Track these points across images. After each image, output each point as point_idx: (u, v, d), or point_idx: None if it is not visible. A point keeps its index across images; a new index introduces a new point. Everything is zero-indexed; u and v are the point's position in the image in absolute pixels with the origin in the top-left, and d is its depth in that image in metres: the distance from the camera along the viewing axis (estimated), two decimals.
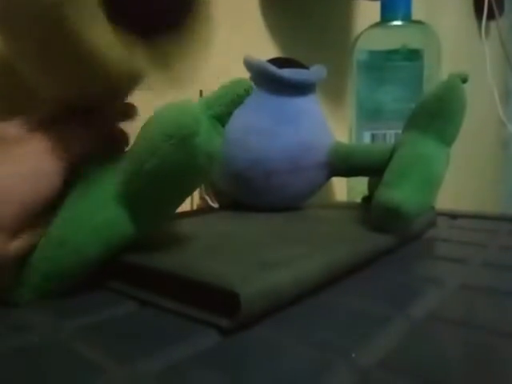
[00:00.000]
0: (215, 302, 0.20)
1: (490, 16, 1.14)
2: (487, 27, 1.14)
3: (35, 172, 0.23)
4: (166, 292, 0.23)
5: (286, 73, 0.42)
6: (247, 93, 0.23)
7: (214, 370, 0.16)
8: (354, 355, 0.17)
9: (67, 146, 0.24)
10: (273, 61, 0.44)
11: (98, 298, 0.23)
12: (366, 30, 0.59)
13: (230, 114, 0.23)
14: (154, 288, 0.23)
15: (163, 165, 0.22)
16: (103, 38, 0.21)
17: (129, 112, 0.29)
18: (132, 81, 0.26)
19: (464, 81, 0.35)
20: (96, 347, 0.18)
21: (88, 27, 0.20)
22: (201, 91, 0.53)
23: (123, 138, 0.30)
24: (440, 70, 0.58)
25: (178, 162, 0.22)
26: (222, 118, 0.23)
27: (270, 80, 0.43)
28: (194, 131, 0.21)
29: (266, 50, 0.63)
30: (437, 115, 0.35)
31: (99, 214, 0.23)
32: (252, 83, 0.23)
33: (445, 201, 0.57)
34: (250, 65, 0.44)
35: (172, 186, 0.23)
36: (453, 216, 0.50)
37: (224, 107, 0.23)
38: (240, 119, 0.43)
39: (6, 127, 0.25)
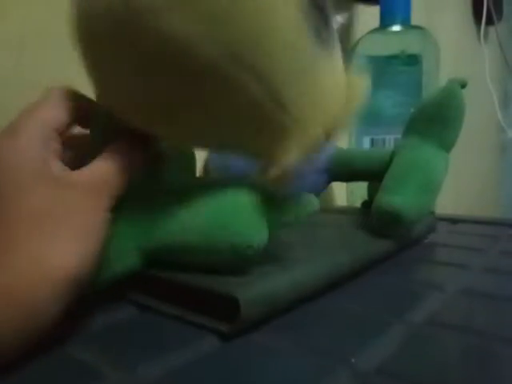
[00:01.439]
0: (215, 307, 0.20)
1: (489, 21, 1.14)
2: (486, 32, 1.15)
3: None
4: (165, 297, 0.23)
5: None
6: (312, 215, 0.23)
7: (213, 375, 0.16)
8: (353, 361, 0.17)
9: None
10: None
11: (97, 303, 0.23)
12: (365, 35, 0.59)
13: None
14: (154, 293, 0.23)
15: (213, 260, 0.22)
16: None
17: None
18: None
19: (463, 86, 0.35)
20: (95, 352, 0.18)
21: None
22: None
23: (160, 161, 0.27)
24: (439, 75, 0.58)
25: (227, 261, 0.23)
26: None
27: None
28: (259, 250, 0.22)
29: None
30: (436, 121, 0.35)
31: (119, 262, 0.23)
32: (318, 203, 0.24)
33: (445, 205, 0.57)
34: None
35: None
36: (453, 221, 0.50)
37: (285, 224, 0.23)
38: None
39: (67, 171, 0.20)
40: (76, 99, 0.22)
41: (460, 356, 0.18)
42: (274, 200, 0.23)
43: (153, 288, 0.23)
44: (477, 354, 0.18)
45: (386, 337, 0.19)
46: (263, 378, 0.16)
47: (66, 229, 0.19)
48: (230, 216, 0.22)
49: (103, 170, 0.21)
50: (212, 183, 0.25)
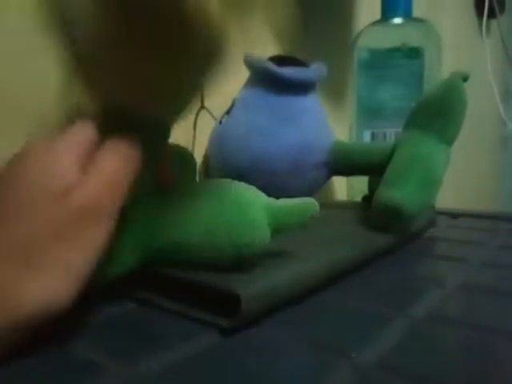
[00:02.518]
0: (215, 303, 0.20)
1: (491, 14, 1.14)
2: (488, 25, 1.14)
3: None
4: (166, 293, 0.23)
5: (287, 71, 0.42)
6: (313, 218, 0.24)
7: (214, 370, 0.16)
8: (354, 355, 0.17)
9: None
10: (273, 59, 0.44)
11: (97, 299, 0.23)
12: (366, 27, 0.59)
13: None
14: (155, 289, 0.23)
15: (215, 257, 0.22)
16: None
17: (168, 177, 0.26)
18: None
19: (465, 79, 0.35)
20: (97, 347, 0.18)
21: None
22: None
23: (169, 177, 0.26)
24: (440, 68, 0.57)
25: (229, 259, 0.23)
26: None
27: (271, 78, 0.42)
28: (261, 251, 0.22)
29: (265, 47, 0.63)
30: (437, 114, 0.35)
31: (119, 262, 0.22)
32: (318, 207, 0.24)
33: (445, 199, 0.57)
34: (250, 63, 0.44)
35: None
36: (453, 215, 0.50)
37: (286, 226, 0.23)
38: (241, 118, 0.43)
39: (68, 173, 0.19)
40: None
41: (460, 350, 0.18)
42: (277, 202, 0.23)
43: (154, 284, 0.23)
44: (477, 347, 0.18)
45: (386, 331, 0.19)
46: (263, 373, 0.16)
47: (53, 262, 0.17)
48: (233, 214, 0.22)
49: (97, 188, 0.19)
50: (215, 182, 0.25)
